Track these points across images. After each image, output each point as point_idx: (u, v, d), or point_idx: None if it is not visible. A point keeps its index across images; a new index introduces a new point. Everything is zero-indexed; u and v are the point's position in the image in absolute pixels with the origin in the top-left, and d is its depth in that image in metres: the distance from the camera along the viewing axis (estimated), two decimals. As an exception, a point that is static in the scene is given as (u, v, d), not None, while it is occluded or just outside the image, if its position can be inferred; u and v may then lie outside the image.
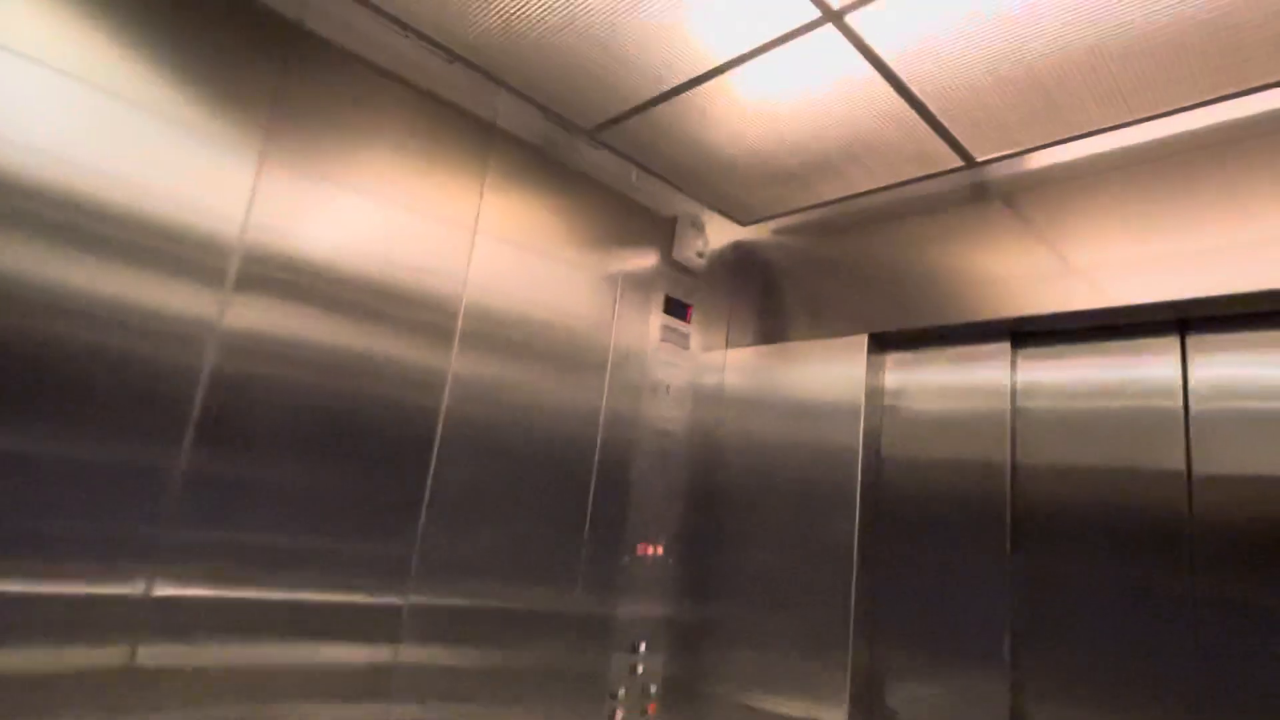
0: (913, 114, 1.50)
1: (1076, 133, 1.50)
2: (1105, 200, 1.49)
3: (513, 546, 1.54)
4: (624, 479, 1.78)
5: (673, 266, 1.99)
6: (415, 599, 1.37)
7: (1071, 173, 1.56)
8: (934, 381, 1.77)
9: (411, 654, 1.35)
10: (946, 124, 1.52)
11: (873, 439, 1.77)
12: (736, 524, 1.91)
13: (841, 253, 1.93)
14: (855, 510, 1.69)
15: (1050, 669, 1.46)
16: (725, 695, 1.79)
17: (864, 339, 1.80)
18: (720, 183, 1.92)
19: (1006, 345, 1.68)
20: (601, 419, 1.74)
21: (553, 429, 1.65)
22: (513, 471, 1.56)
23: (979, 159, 1.65)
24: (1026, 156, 1.62)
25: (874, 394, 1.80)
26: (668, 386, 1.92)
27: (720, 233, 2.14)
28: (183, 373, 1.13)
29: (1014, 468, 1.59)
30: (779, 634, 1.74)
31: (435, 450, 1.43)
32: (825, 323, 1.89)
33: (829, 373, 1.84)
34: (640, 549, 1.78)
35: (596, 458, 1.72)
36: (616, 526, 1.74)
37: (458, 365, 1.49)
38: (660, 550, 1.82)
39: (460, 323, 1.50)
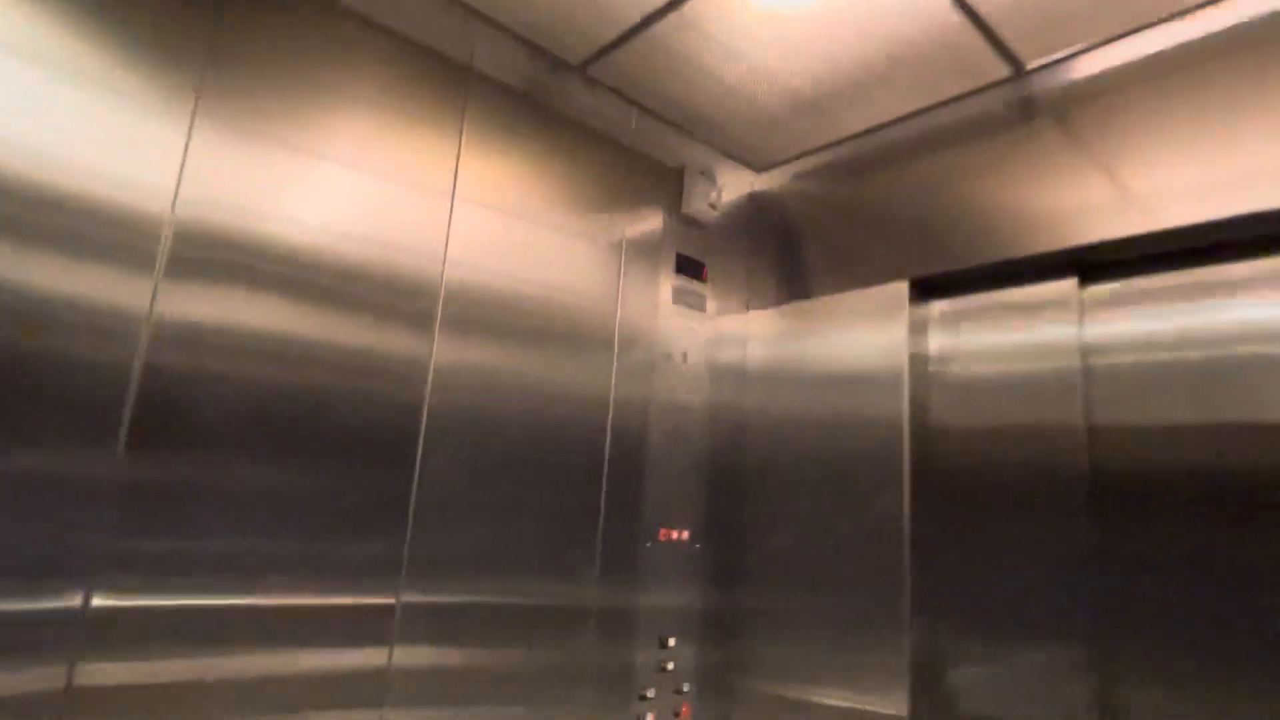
0: (953, 11, 1.26)
1: (1138, 24, 1.25)
2: (1174, 106, 1.25)
3: (517, 540, 1.38)
4: (640, 462, 1.60)
5: (683, 223, 1.78)
6: (410, 598, 1.22)
7: (1130, 77, 1.31)
8: (988, 336, 1.55)
9: (407, 656, 1.21)
10: (992, 22, 1.29)
11: (919, 406, 1.56)
12: (768, 505, 1.72)
13: (872, 194, 1.71)
14: (904, 485, 1.49)
15: (1139, 648, 1.26)
16: (767, 690, 1.63)
17: (904, 287, 1.59)
18: (730, 122, 1.70)
19: (1072, 283, 1.45)
20: (611, 399, 1.56)
21: (555, 414, 1.48)
22: (511, 461, 1.39)
23: (1028, 65, 1.41)
24: (1080, 60, 1.37)
25: (918, 356, 1.59)
26: (684, 355, 1.73)
27: (734, 184, 1.92)
28: (112, 369, 0.97)
29: (1090, 429, 1.37)
30: (823, 621, 1.56)
31: (420, 445, 1.27)
32: (859, 272, 1.67)
33: (868, 330, 1.63)
34: (663, 535, 1.60)
35: (608, 440, 1.54)
36: (634, 513, 1.57)
37: (441, 354, 1.31)
38: (685, 535, 1.65)
39: (441, 306, 1.32)
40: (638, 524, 1.57)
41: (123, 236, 1.00)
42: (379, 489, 1.21)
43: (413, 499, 1.24)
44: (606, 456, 1.53)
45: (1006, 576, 1.40)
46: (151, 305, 1.02)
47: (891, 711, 1.41)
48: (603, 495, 1.52)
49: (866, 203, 1.71)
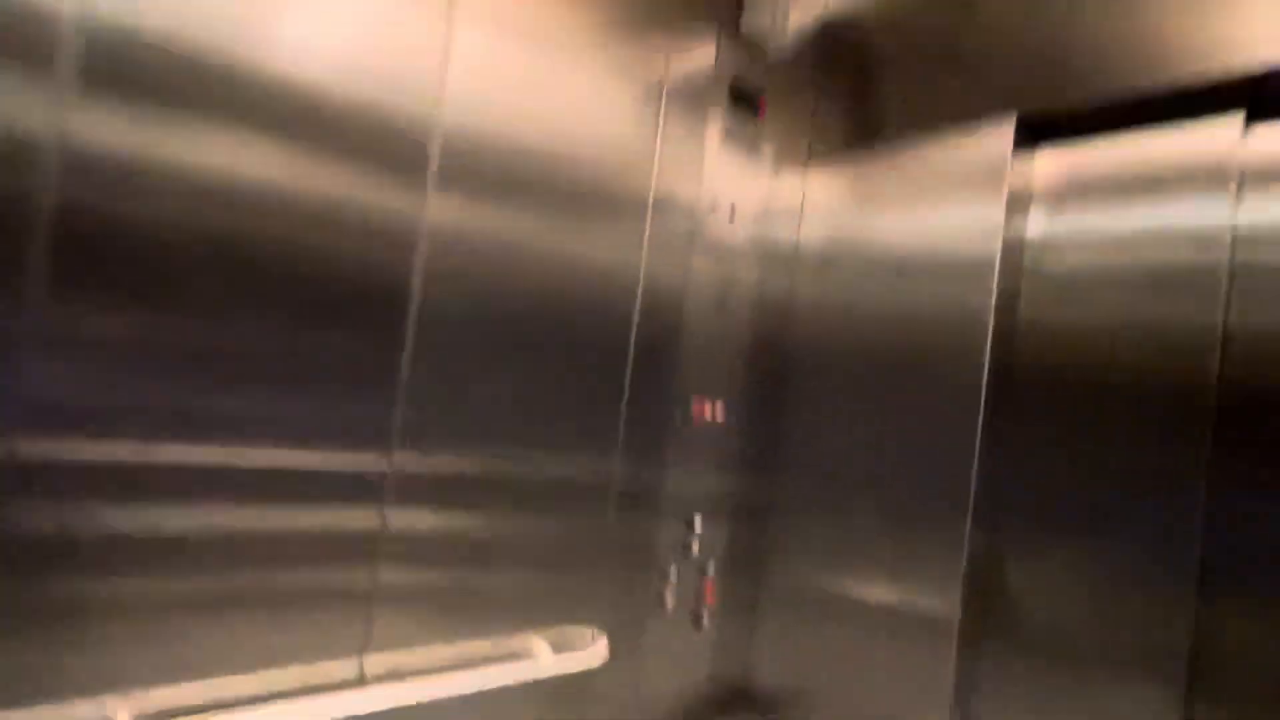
0: None
1: None
2: None
3: (527, 412, 1.23)
4: (674, 333, 1.41)
5: (740, 47, 1.48)
6: (402, 464, 1.09)
7: None
8: (1106, 212, 1.26)
9: (402, 520, 1.10)
10: None
11: (1008, 298, 1.31)
12: (815, 392, 1.53)
13: (978, 15, 1.36)
14: (981, 385, 1.27)
15: (1245, 584, 1.07)
16: (800, 580, 1.51)
17: (1008, 131, 1.29)
18: (808, -90, 1.35)
19: (1231, 128, 1.14)
20: (643, 262, 1.35)
21: (576, 278, 1.28)
22: (523, 329, 1.21)
23: None
24: None
25: (1013, 241, 1.31)
26: (732, 210, 1.49)
27: (803, 3, 1.58)
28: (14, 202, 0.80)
29: (1227, 334, 1.11)
30: (868, 516, 1.40)
31: (413, 312, 1.09)
32: (951, 110, 1.37)
33: (955, 199, 1.35)
34: (696, 412, 1.44)
35: (637, 308, 1.35)
36: (664, 388, 1.40)
37: (436, 210, 1.09)
38: (720, 413, 1.48)
39: (435, 153, 1.08)
40: (668, 400, 1.40)
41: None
42: (366, 352, 1.05)
43: (404, 365, 1.08)
44: (634, 325, 1.35)
45: (1098, 490, 1.20)
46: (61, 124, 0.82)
47: (941, 611, 1.27)
48: (629, 367, 1.34)
49: (969, 27, 1.38)
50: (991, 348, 1.27)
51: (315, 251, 0.99)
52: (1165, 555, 1.12)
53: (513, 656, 1.20)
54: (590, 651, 1.25)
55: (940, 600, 1.27)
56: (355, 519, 1.05)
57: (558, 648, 1.25)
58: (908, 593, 1.33)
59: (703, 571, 1.49)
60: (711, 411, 1.46)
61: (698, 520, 1.46)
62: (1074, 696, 1.18)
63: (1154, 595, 1.13)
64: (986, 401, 1.27)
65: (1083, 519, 1.21)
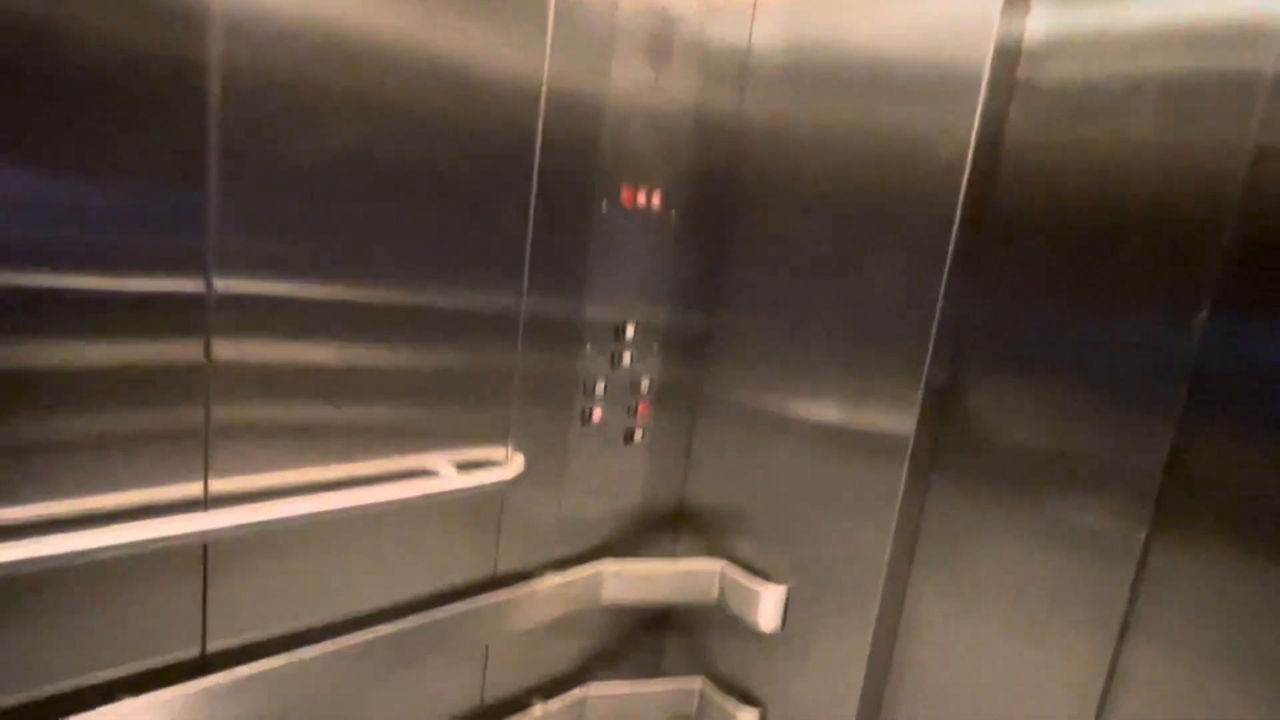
0: None
1: None
2: None
3: (401, 230, 0.97)
4: (590, 147, 1.13)
5: None
6: (226, 286, 0.84)
7: None
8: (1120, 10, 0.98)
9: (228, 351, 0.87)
10: None
11: (993, 118, 1.05)
12: (769, 209, 1.29)
13: None
14: (955, 216, 1.06)
15: (1227, 429, 0.94)
16: (743, 400, 1.36)
17: None
18: None
19: None
20: (546, 66, 1.04)
21: (456, 84, 0.96)
22: (386, 135, 0.92)
23: None
24: None
25: (1007, 48, 1.03)
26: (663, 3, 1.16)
27: None
28: None
29: (1258, 154, 0.89)
30: (820, 337, 1.23)
31: (214, 101, 0.78)
32: None
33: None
34: (626, 196, 1.20)
35: (540, 121, 1.05)
36: (582, 172, 1.15)
37: None
38: (656, 202, 1.24)
39: None
40: (588, 184, 1.15)
41: None
42: (164, 146, 0.76)
43: (212, 168, 0.79)
44: (538, 147, 1.06)
45: (1082, 321, 1.03)
46: None
47: (895, 431, 1.15)
48: (533, 190, 1.08)
49: None
50: (971, 169, 1.05)
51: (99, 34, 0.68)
52: (1150, 383, 0.98)
53: (408, 475, 1.04)
54: (501, 469, 1.10)
55: (894, 421, 1.14)
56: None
57: (464, 467, 1.09)
58: (859, 414, 1.20)
59: (635, 389, 1.33)
60: (647, 198, 1.22)
61: (629, 328, 1.27)
62: (1033, 518, 1.09)
63: (1131, 420, 1.00)
64: (960, 228, 1.07)
65: (1061, 349, 1.06)
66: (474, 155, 1.01)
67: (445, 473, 1.05)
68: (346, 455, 0.99)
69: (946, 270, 1.08)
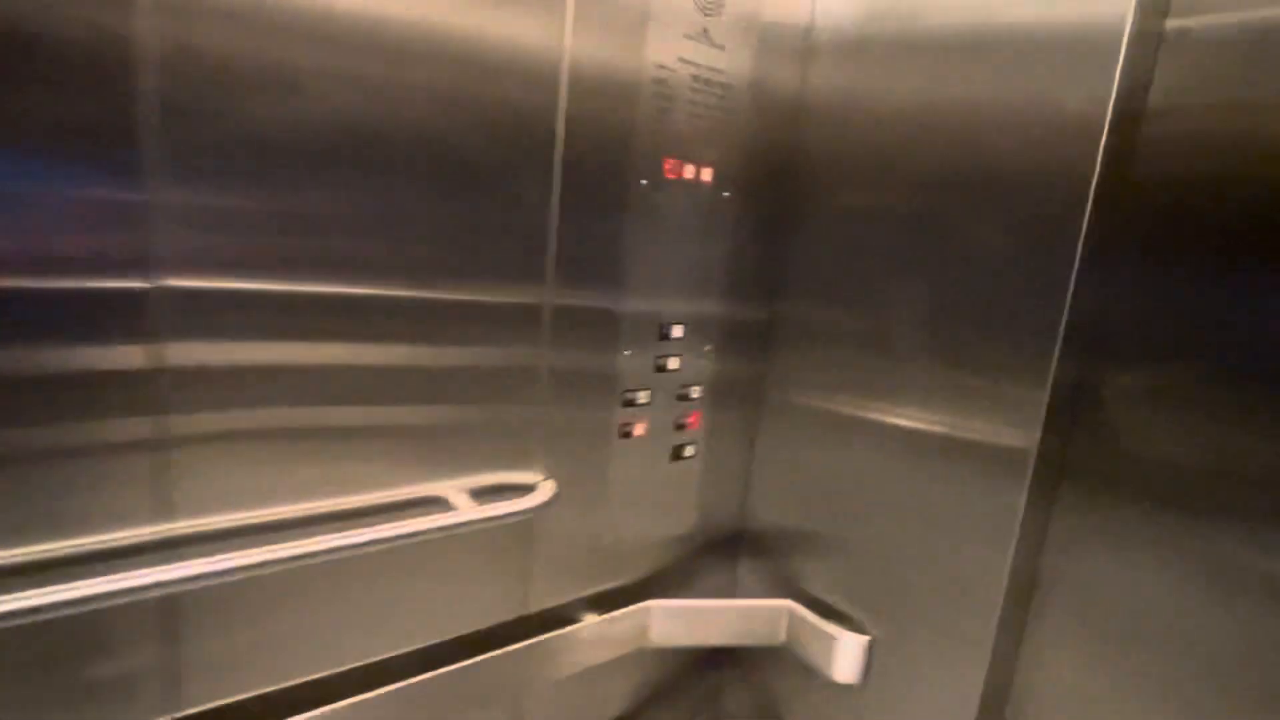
0: None
1: None
2: None
3: (407, 224, 0.81)
4: (625, 138, 0.94)
5: None
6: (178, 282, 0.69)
7: None
8: None
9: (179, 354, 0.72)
10: None
11: (1135, 81, 0.82)
12: (837, 167, 1.09)
13: None
14: (1088, 196, 0.82)
15: None
16: (813, 405, 1.16)
17: None
18: None
19: None
20: (567, 45, 0.86)
21: (470, 65, 0.79)
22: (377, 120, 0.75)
23: None
24: None
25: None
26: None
27: None
28: None
29: None
30: (912, 324, 1.02)
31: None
32: None
33: None
34: (669, 169, 1.01)
35: (562, 107, 0.88)
36: (619, 145, 0.96)
37: None
38: (707, 176, 1.05)
39: None
40: (627, 153, 0.97)
41: None
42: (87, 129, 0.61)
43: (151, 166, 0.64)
44: (559, 136, 0.89)
45: (1248, 320, 0.79)
46: None
47: (1013, 442, 0.92)
48: (555, 189, 0.90)
49: None
50: (1109, 137, 0.82)
51: None
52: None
53: (415, 505, 0.88)
54: (525, 497, 0.93)
55: (1013, 428, 0.92)
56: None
57: (483, 493, 0.92)
58: (965, 420, 0.98)
59: (684, 397, 1.14)
60: (695, 172, 1.03)
61: (676, 328, 1.09)
62: (1190, 553, 0.85)
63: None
64: (1095, 203, 0.84)
65: (1229, 344, 0.82)
66: (483, 124, 0.84)
67: (459, 502, 0.89)
68: (340, 483, 0.83)
69: (1079, 254, 0.86)
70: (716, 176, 1.06)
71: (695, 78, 1.00)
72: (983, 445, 0.95)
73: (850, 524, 1.13)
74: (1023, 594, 0.98)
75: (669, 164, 0.99)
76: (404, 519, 0.83)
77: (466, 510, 0.87)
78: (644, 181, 0.98)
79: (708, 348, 1.14)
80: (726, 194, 1.08)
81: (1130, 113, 0.84)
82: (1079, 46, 0.85)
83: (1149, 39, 0.83)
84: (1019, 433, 0.91)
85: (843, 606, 1.15)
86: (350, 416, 0.82)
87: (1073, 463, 0.93)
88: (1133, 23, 0.81)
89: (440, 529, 0.83)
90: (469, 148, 0.84)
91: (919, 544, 1.04)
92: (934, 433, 1.00)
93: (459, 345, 0.89)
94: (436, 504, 0.90)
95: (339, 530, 0.77)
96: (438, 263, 0.85)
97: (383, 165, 0.78)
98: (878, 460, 1.08)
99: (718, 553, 1.27)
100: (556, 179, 0.91)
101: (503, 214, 0.88)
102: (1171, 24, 0.83)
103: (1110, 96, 0.82)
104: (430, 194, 0.82)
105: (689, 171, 1.02)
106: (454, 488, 0.91)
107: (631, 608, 1.13)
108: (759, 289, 1.17)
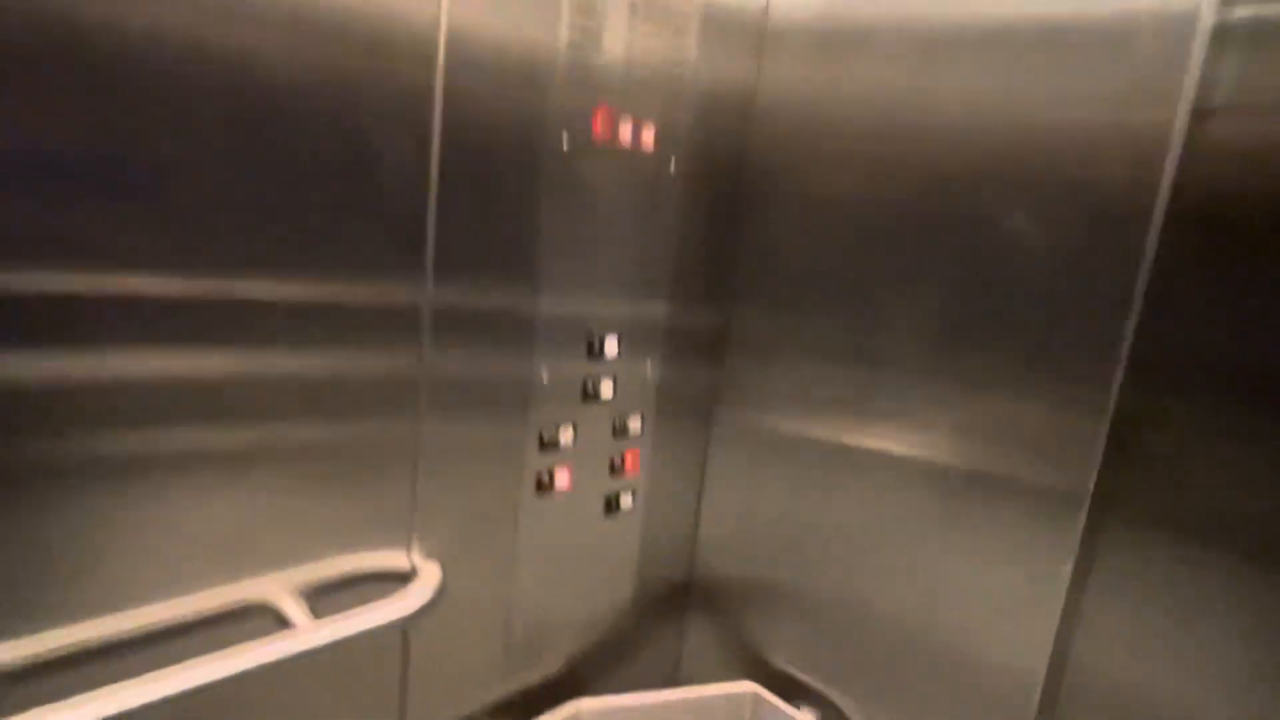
0: None
1: None
2: None
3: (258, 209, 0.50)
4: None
5: None
6: None
7: None
8: None
9: None
10: None
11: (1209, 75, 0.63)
12: (826, 141, 0.85)
13: None
14: (1154, 208, 0.62)
15: None
16: (783, 433, 0.92)
17: None
18: None
19: None
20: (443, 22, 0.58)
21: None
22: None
23: None
24: None
25: None
26: None
27: None
28: None
29: None
30: (911, 338, 0.80)
31: None
32: None
33: None
34: (598, 128, 0.73)
35: (439, 98, 0.59)
36: (528, 87, 0.68)
37: None
38: (649, 141, 0.79)
39: None
40: (542, 100, 0.69)
41: None
42: None
43: None
44: (436, 139, 0.61)
45: None
46: None
47: (1058, 483, 0.71)
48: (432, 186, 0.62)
49: None
50: (1180, 134, 0.63)
51: None
52: None
53: (222, 624, 0.57)
54: (399, 597, 0.63)
55: (1059, 468, 0.71)
56: None
57: (331, 590, 0.62)
58: (989, 452, 0.76)
59: (619, 432, 0.87)
60: (634, 132, 0.76)
61: (610, 341, 0.81)
62: (1233, 602, 0.67)
63: None
64: (1165, 213, 0.64)
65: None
66: (322, 58, 0.55)
67: (291, 612, 0.58)
68: (113, 593, 0.51)
69: (1145, 266, 0.65)
70: (660, 140, 0.79)
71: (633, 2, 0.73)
72: (1017, 484, 0.73)
73: (825, 581, 0.90)
74: (1062, 663, 0.77)
75: (600, 116, 0.72)
76: (193, 645, 0.52)
77: (302, 629, 0.57)
78: (565, 141, 0.70)
79: (650, 365, 0.88)
80: (673, 165, 0.82)
81: (1199, 111, 0.64)
82: (1144, 36, 0.64)
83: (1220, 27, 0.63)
84: (1068, 472, 0.70)
85: (817, 685, 0.92)
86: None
87: (1124, 503, 0.73)
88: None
89: (246, 669, 0.53)
90: (305, 93, 0.53)
91: (920, 614, 0.82)
92: (946, 466, 0.78)
93: (295, 360, 0.59)
94: (257, 614, 0.59)
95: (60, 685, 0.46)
96: (251, 250, 0.54)
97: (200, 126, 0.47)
98: (864, 500, 0.85)
99: (662, 620, 1.01)
100: (436, 131, 0.62)
101: (356, 181, 0.58)
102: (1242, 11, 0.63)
103: (1179, 97, 0.62)
104: (240, 151, 0.51)
105: (625, 131, 0.75)
106: (284, 586, 0.60)
107: (555, 713, 0.85)
108: (714, 288, 0.92)
